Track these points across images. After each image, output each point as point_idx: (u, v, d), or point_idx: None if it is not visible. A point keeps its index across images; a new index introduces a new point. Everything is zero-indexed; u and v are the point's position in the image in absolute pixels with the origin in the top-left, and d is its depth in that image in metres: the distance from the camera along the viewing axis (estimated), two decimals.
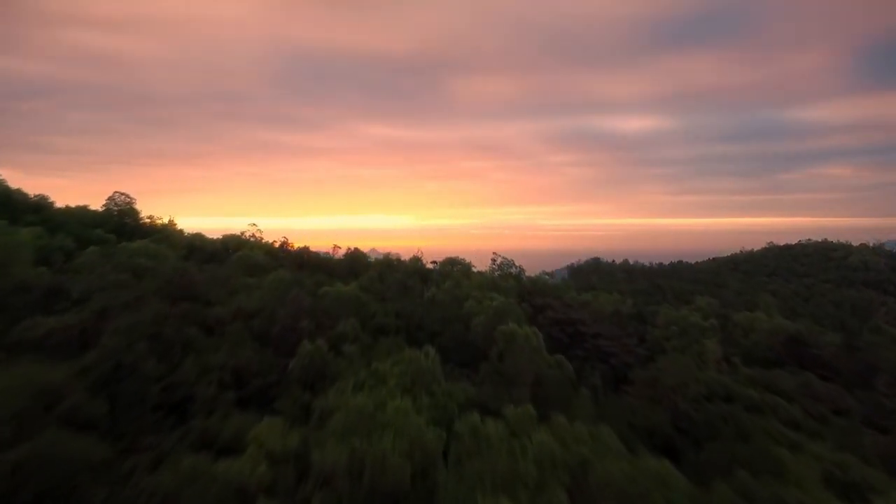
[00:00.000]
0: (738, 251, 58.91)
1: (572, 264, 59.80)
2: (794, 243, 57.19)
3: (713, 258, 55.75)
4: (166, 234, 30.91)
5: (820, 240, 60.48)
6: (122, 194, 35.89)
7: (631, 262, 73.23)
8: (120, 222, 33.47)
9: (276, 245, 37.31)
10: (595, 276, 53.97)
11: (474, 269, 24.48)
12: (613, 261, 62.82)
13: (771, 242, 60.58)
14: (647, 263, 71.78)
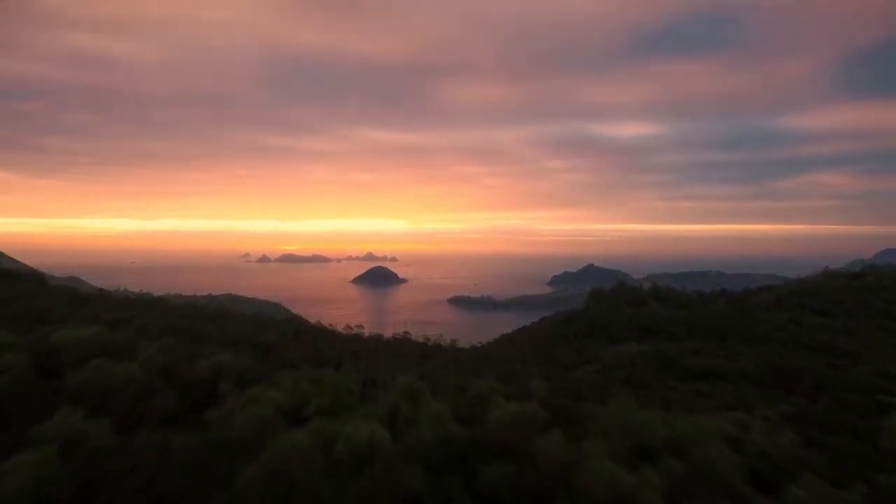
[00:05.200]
0: (791, 278, 50.50)
1: (594, 288, 50.29)
2: (857, 271, 49.07)
3: (764, 288, 46.97)
4: None
5: (884, 265, 52.28)
6: None
7: (656, 278, 64.08)
8: None
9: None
10: (626, 306, 44.54)
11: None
12: (641, 285, 53.56)
13: (826, 267, 52.11)
14: (674, 284, 62.81)
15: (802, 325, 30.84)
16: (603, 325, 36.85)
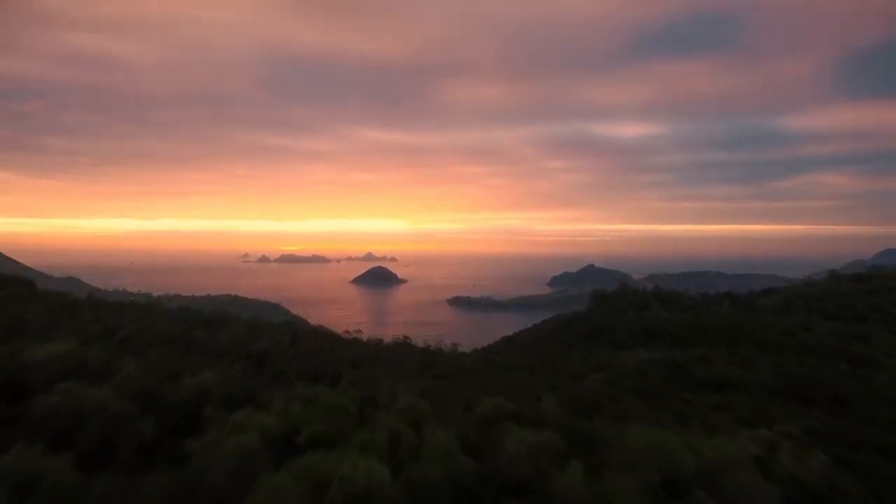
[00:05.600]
0: (791, 278, 50.08)
1: (596, 289, 49.75)
2: (863, 273, 48.37)
3: (770, 290, 46.12)
4: None
5: (889, 266, 51.68)
6: None
7: (656, 279, 63.58)
8: None
9: None
10: (629, 309, 43.88)
11: None
12: (644, 287, 52.93)
13: (833, 270, 51.46)
14: (674, 284, 62.24)
15: (812, 331, 30.10)
16: (606, 329, 36.16)
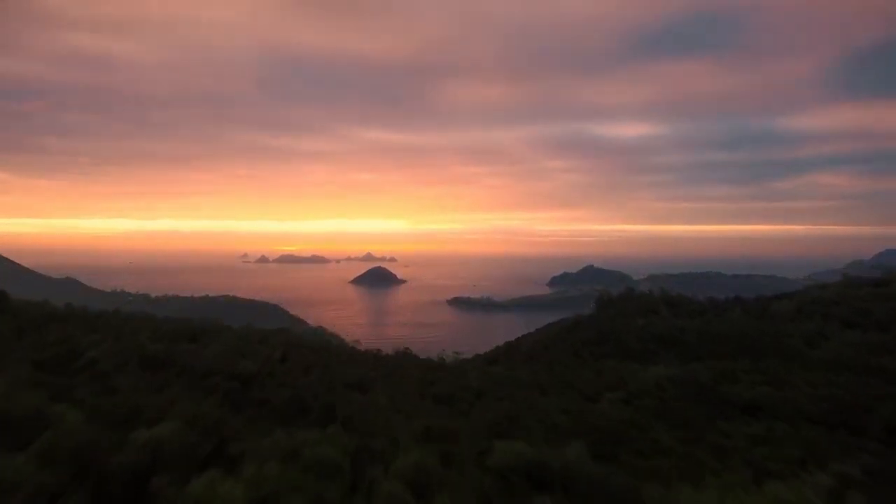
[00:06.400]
0: (790, 279, 48.61)
1: (599, 295, 48.36)
2: (878, 277, 46.87)
3: (783, 295, 44.46)
4: None
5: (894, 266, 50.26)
6: None
7: (656, 279, 62.19)
8: None
9: None
10: (636, 314, 42.40)
11: None
12: (651, 291, 51.57)
13: (846, 273, 50.07)
14: (674, 284, 60.89)
15: (832, 339, 28.60)
16: (612, 335, 34.67)
